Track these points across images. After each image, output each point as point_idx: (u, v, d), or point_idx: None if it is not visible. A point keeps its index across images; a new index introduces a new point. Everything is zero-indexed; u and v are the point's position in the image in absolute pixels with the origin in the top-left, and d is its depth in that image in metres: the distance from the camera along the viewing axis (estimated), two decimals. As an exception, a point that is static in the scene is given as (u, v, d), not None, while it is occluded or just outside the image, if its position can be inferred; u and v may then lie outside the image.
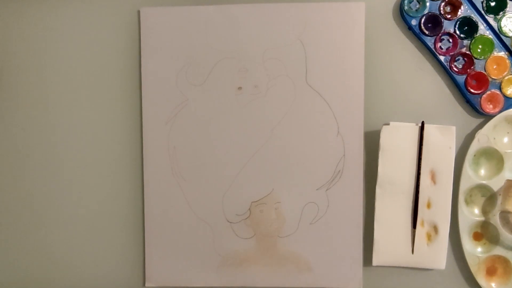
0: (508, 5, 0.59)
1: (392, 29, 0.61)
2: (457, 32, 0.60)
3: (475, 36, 0.60)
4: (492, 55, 0.60)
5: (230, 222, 0.63)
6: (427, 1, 0.59)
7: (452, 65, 0.60)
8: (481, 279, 0.61)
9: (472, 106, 0.60)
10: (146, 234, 0.63)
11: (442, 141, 0.59)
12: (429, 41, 0.60)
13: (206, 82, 0.62)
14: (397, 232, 0.60)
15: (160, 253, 0.63)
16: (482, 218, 0.61)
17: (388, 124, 0.60)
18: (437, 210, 0.60)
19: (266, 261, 0.63)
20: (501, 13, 0.59)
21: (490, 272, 0.61)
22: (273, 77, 0.61)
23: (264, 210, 0.62)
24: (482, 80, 0.60)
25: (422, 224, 0.60)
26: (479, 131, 0.59)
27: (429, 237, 0.60)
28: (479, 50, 0.60)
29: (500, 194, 0.59)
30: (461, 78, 0.60)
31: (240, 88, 0.62)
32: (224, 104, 0.62)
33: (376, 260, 0.61)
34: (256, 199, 0.62)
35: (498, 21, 0.59)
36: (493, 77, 0.60)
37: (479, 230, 0.61)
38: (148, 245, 0.63)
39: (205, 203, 0.62)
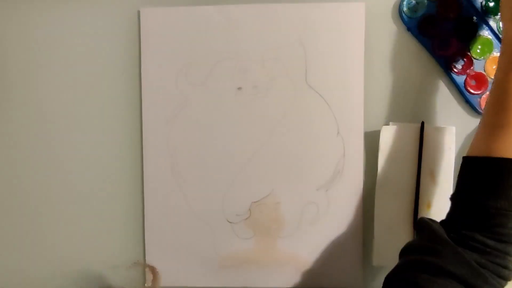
0: (507, 6, 0.59)
1: (392, 29, 0.61)
2: (456, 32, 0.60)
3: (474, 36, 0.60)
4: (491, 55, 0.60)
5: (230, 222, 0.62)
6: (425, 2, 0.60)
7: (452, 66, 0.60)
8: (481, 279, 0.61)
9: (472, 106, 0.61)
10: (146, 234, 0.63)
11: (442, 142, 0.59)
12: (428, 42, 0.60)
13: (206, 82, 0.62)
14: (397, 232, 0.60)
15: (160, 253, 0.63)
16: (482, 218, 0.61)
17: (388, 124, 0.60)
18: (437, 210, 0.60)
19: (266, 262, 0.62)
20: (500, 13, 0.59)
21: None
22: (273, 77, 0.61)
23: (264, 210, 0.62)
24: (481, 81, 0.60)
25: (422, 224, 0.60)
26: (479, 131, 0.60)
27: (429, 237, 0.60)
28: (478, 51, 0.60)
29: (499, 194, 0.59)
30: (460, 79, 0.60)
31: (240, 88, 0.62)
32: (224, 104, 0.62)
33: (376, 260, 0.61)
34: (256, 199, 0.62)
35: (497, 21, 0.59)
36: (493, 78, 0.60)
37: (479, 230, 0.61)
38: (148, 245, 0.63)
39: (205, 203, 0.62)
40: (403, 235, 0.60)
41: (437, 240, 0.47)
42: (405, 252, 0.50)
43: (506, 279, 0.45)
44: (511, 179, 0.45)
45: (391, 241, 0.60)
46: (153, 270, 0.59)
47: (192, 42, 0.62)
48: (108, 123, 0.63)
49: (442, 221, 0.50)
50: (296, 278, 0.62)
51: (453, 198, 0.50)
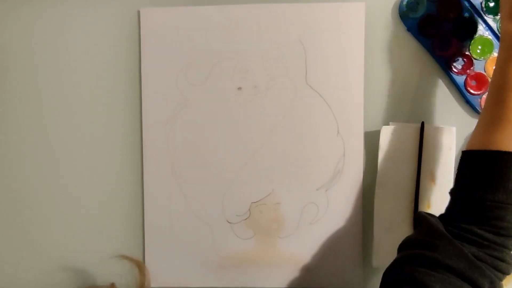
0: (507, 6, 0.59)
1: (392, 29, 0.61)
2: (456, 33, 0.60)
3: (474, 36, 0.60)
4: (491, 55, 0.60)
5: (230, 223, 0.62)
6: (425, 2, 0.60)
7: (452, 66, 0.60)
8: (481, 279, 0.60)
9: (472, 106, 0.60)
10: (146, 234, 0.63)
11: (442, 142, 0.59)
12: (428, 42, 0.60)
13: (206, 82, 0.62)
14: (396, 232, 0.60)
15: (160, 253, 0.63)
16: (482, 219, 0.60)
17: (388, 124, 0.60)
18: (437, 211, 0.59)
19: (266, 262, 0.62)
20: (499, 10, 0.59)
21: (490, 272, 0.61)
22: (273, 77, 0.61)
23: (264, 211, 0.62)
24: (481, 81, 0.60)
25: (422, 224, 0.60)
26: (479, 131, 0.59)
27: (429, 237, 0.60)
28: (478, 51, 0.60)
29: (499, 194, 0.59)
30: (460, 79, 0.60)
31: (240, 88, 0.62)
32: (224, 104, 0.62)
33: (376, 261, 0.61)
34: (256, 199, 0.62)
35: (497, 21, 0.59)
36: (493, 76, 0.60)
37: (479, 231, 0.61)
38: (148, 245, 0.63)
39: (205, 204, 0.62)
40: (403, 236, 0.60)
41: (435, 234, 0.47)
42: (403, 246, 0.50)
43: (504, 272, 0.45)
44: (509, 172, 0.45)
45: (391, 241, 0.60)
46: (139, 264, 0.59)
47: (192, 42, 0.62)
48: (108, 123, 0.63)
49: (441, 215, 0.50)
50: (295, 278, 0.62)
51: (452, 192, 0.50)
